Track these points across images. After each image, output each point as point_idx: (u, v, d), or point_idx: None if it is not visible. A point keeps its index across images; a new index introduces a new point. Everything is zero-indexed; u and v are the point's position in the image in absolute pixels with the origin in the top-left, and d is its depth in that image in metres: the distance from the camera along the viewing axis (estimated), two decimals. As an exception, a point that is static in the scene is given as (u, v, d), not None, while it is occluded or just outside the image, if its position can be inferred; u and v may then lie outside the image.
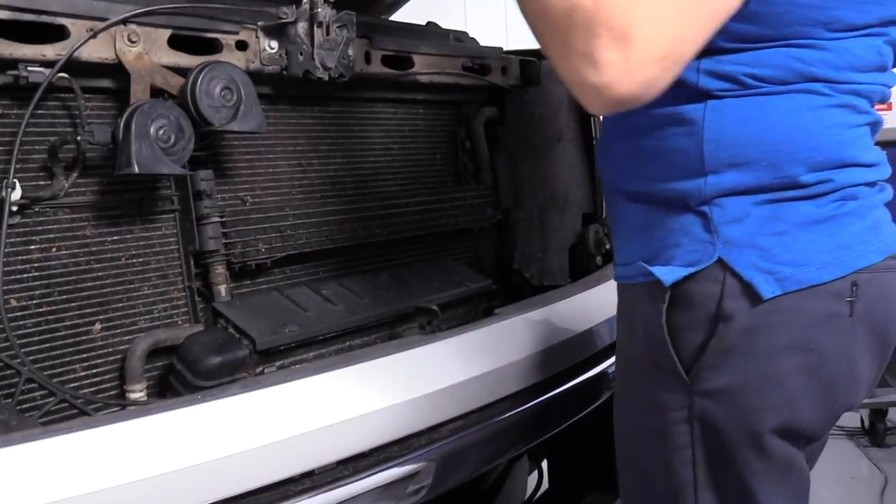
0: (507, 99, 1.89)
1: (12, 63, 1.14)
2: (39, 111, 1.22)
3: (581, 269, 1.96)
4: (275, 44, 1.42)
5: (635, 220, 0.98)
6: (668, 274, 0.88)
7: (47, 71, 1.16)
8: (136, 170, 1.15)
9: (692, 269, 0.86)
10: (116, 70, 1.24)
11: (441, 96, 1.82)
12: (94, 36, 1.19)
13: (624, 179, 1.04)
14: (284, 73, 1.43)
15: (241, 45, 1.38)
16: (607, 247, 1.96)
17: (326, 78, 1.46)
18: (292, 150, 1.55)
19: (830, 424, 0.95)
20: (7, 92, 1.19)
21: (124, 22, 1.22)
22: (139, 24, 1.24)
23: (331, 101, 1.62)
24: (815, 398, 0.88)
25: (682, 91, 0.94)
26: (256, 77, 1.39)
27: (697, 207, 0.89)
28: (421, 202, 1.70)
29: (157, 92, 1.28)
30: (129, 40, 1.23)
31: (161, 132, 1.20)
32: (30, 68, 1.15)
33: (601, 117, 1.38)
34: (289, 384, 1.06)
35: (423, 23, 1.89)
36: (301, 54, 1.42)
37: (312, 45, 1.43)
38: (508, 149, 1.91)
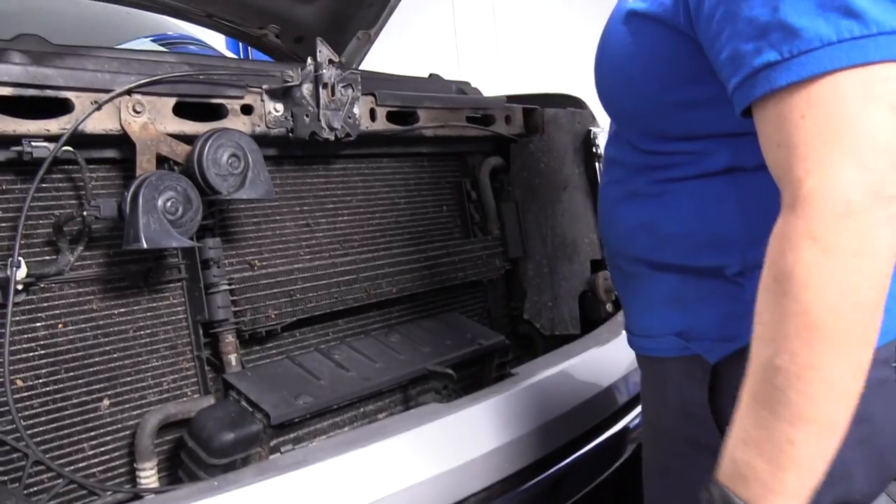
0: (513, 148, 1.87)
1: (16, 139, 1.11)
2: (43, 185, 1.19)
3: (591, 317, 1.92)
4: (280, 106, 1.39)
5: (661, 291, 0.94)
6: (711, 351, 0.85)
7: (51, 145, 1.13)
8: (145, 245, 1.11)
9: (736, 345, 0.83)
10: (121, 140, 1.21)
11: (446, 148, 1.80)
12: (98, 108, 1.17)
13: (645, 249, 1.01)
14: (291, 135, 1.40)
15: (246, 110, 1.35)
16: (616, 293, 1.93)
17: (332, 138, 1.43)
18: (299, 210, 1.52)
19: (881, 492, 0.91)
20: (10, 167, 1.16)
21: (129, 92, 1.20)
22: (144, 93, 1.22)
23: (336, 159, 1.59)
24: (869, 469, 0.84)
25: (715, 162, 0.91)
26: (261, 140, 1.37)
27: (734, 278, 0.85)
28: (429, 257, 1.67)
29: (162, 161, 1.25)
30: (134, 111, 1.20)
31: (169, 204, 1.16)
32: (34, 143, 1.12)
33: (601, 179, 1.29)
34: (307, 468, 1.01)
35: (427, 74, 1.87)
36: (307, 116, 1.40)
37: (318, 106, 1.41)
38: (515, 198, 1.88)
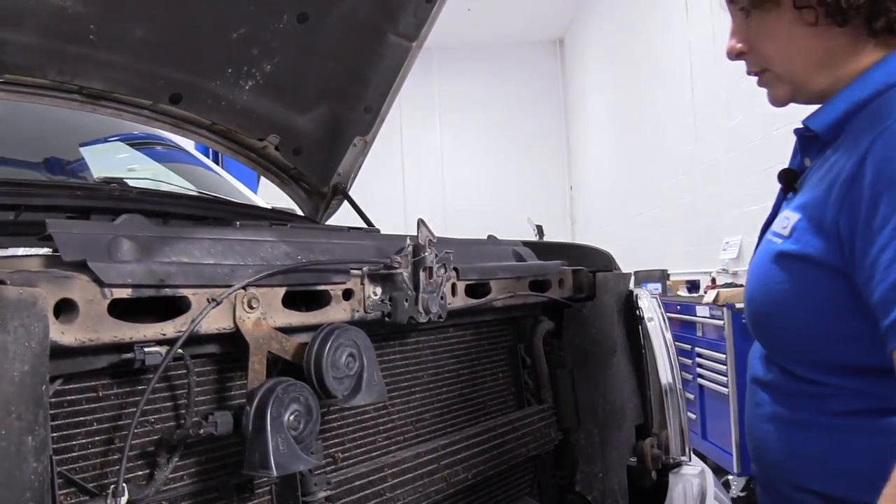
0: (567, 314, 1.81)
1: (127, 346, 0.97)
2: (140, 388, 1.04)
3: (636, 485, 1.85)
4: (379, 290, 1.29)
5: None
6: None
7: (163, 350, 0.99)
8: (275, 473, 0.97)
9: None
10: (230, 338, 1.08)
11: (504, 314, 1.72)
12: (216, 305, 1.04)
13: (816, 481, 0.96)
14: (387, 319, 1.30)
15: (347, 294, 1.25)
16: (663, 460, 1.86)
17: (426, 321, 1.34)
18: (378, 392, 1.40)
19: None
20: (107, 371, 1.01)
21: (245, 287, 1.08)
22: (258, 286, 1.10)
23: (410, 334, 1.49)
24: None
25: (889, 399, 0.90)
26: (357, 325, 1.26)
27: None
28: (495, 434, 1.57)
29: (272, 360, 1.12)
30: (249, 306, 1.08)
31: (293, 418, 1.03)
32: (146, 349, 0.98)
33: (748, 399, 1.24)
34: None
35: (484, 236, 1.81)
36: (406, 301, 1.30)
37: (417, 289, 1.31)
38: (567, 364, 1.81)
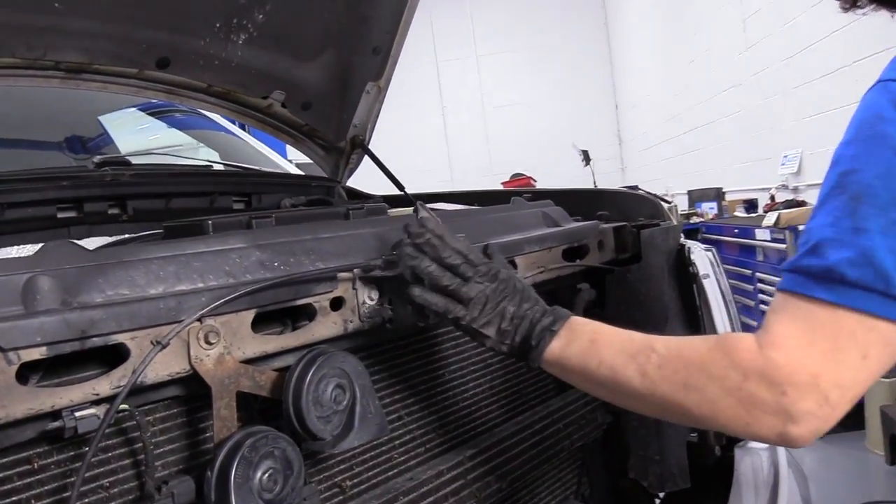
0: (609, 279, 1.56)
1: (54, 414, 0.77)
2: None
3: (699, 463, 1.63)
4: (375, 294, 1.07)
5: None
6: None
7: (101, 411, 0.79)
8: (244, 556, 0.78)
9: None
10: (189, 380, 0.88)
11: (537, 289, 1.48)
12: (162, 348, 0.83)
13: None
14: (389, 325, 1.08)
15: (337, 304, 1.03)
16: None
17: (438, 321, 1.12)
18: (390, 402, 1.20)
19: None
20: (44, 437, 0.82)
21: (199, 319, 0.86)
22: (217, 314, 0.88)
23: (425, 330, 1.27)
24: None
25: None
26: (353, 337, 1.05)
27: None
28: (533, 431, 1.36)
29: (243, 400, 0.92)
30: (206, 341, 0.87)
31: (267, 478, 0.83)
32: (77, 413, 0.78)
33: None
34: None
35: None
36: (409, 304, 1.07)
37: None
38: (612, 337, 1.57)
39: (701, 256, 1.68)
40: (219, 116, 3.17)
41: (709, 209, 5.93)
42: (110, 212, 1.87)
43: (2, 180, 1.67)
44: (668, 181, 7.58)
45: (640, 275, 1.57)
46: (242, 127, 3.71)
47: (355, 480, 1.12)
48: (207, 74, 2.09)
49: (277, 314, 1.01)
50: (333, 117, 2.41)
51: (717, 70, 6.30)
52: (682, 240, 1.70)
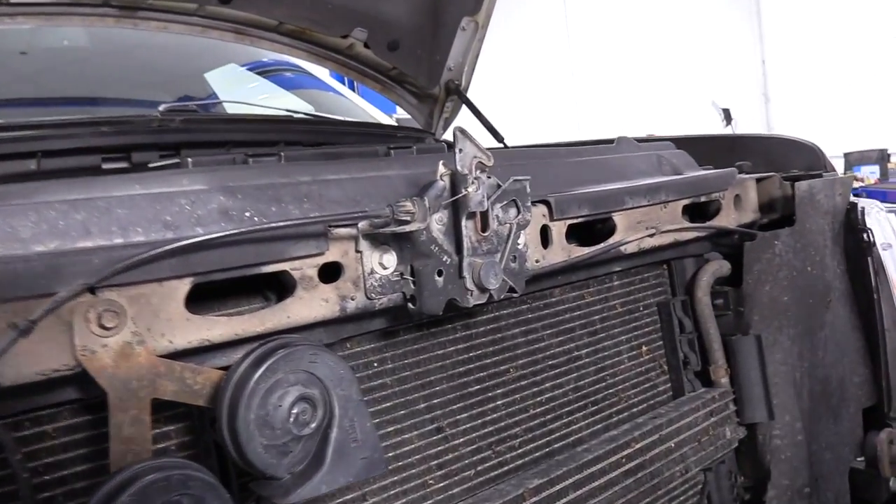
0: (748, 249, 1.13)
1: None
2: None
3: (864, 498, 1.19)
4: (391, 259, 0.72)
5: None
6: None
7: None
8: None
9: None
10: (80, 380, 0.58)
11: (644, 259, 1.09)
12: (22, 334, 0.53)
13: None
14: (411, 306, 0.73)
15: (330, 273, 0.69)
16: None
17: (484, 302, 0.76)
18: (424, 408, 0.85)
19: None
20: None
21: (91, 290, 0.56)
22: (122, 285, 0.57)
23: (478, 314, 0.91)
24: None
25: None
26: (357, 318, 0.72)
27: None
28: (633, 450, 0.97)
29: (164, 411, 0.61)
30: (101, 324, 0.56)
31: (164, 544, 0.52)
32: None
33: None
34: None
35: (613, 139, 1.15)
36: (439, 274, 0.72)
37: (460, 251, 0.73)
38: (752, 325, 1.14)
39: (880, 220, 1.21)
40: (327, 75, 2.94)
41: (869, 173, 5.12)
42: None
43: (37, 125, 1.46)
44: (826, 142, 6.68)
45: (794, 242, 1.13)
46: (352, 88, 3.47)
47: (371, 513, 0.79)
48: (278, 10, 1.81)
49: (254, 289, 0.69)
50: (424, 59, 2.07)
51: (881, 13, 5.40)
52: (852, 199, 1.24)
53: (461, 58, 2.04)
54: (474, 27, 1.99)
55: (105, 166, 1.60)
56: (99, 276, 0.55)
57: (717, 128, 6.67)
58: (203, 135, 1.67)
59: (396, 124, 2.22)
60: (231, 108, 2.39)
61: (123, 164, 1.61)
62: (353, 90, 3.37)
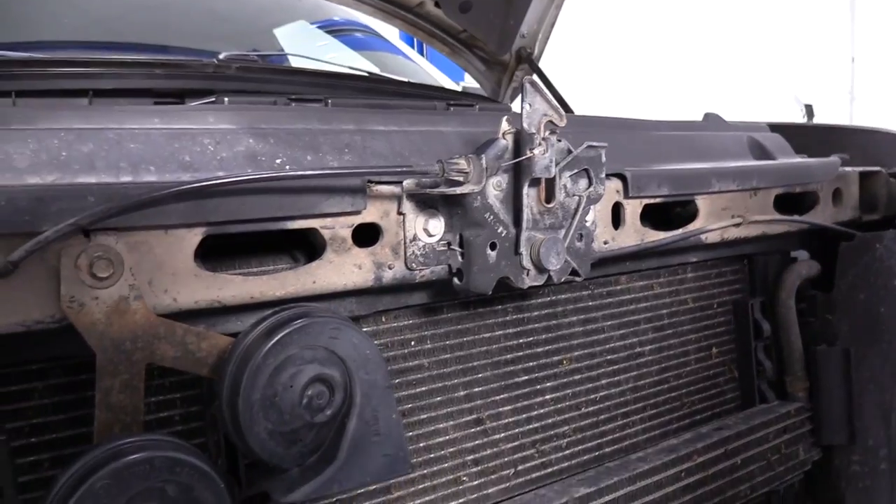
0: (843, 250, 0.99)
1: None
2: None
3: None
4: (437, 225, 0.62)
5: None
6: None
7: None
8: None
9: None
10: (66, 335, 0.50)
11: (723, 251, 0.96)
12: (1, 276, 0.45)
13: None
14: (457, 282, 0.63)
15: (366, 235, 0.60)
16: None
17: (542, 284, 0.65)
18: (464, 397, 0.76)
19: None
20: None
21: (85, 231, 0.47)
22: (121, 229, 0.49)
23: (533, 296, 0.80)
24: None
25: None
26: (396, 289, 0.62)
27: None
28: (696, 464, 0.86)
29: (160, 378, 0.52)
30: (94, 274, 0.47)
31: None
32: None
33: None
34: None
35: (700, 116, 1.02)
36: (492, 247, 0.62)
37: (518, 224, 0.62)
38: (840, 336, 1.00)
39: None
40: (397, 38, 2.85)
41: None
42: (216, 110, 1.57)
43: (91, 62, 1.40)
44: (909, 148, 6.26)
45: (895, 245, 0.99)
46: (421, 52, 3.37)
47: (394, 509, 0.70)
48: (348, -39, 1.72)
49: (281, 247, 0.60)
50: (497, 24, 1.95)
51: None
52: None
53: (536, 25, 1.93)
54: (554, -7, 1.87)
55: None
56: (93, 213, 0.46)
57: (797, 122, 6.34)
58: (258, 84, 1.59)
59: (457, 90, 2.11)
60: (295, 64, 2.32)
61: (176, 110, 1.54)
62: (423, 55, 3.26)
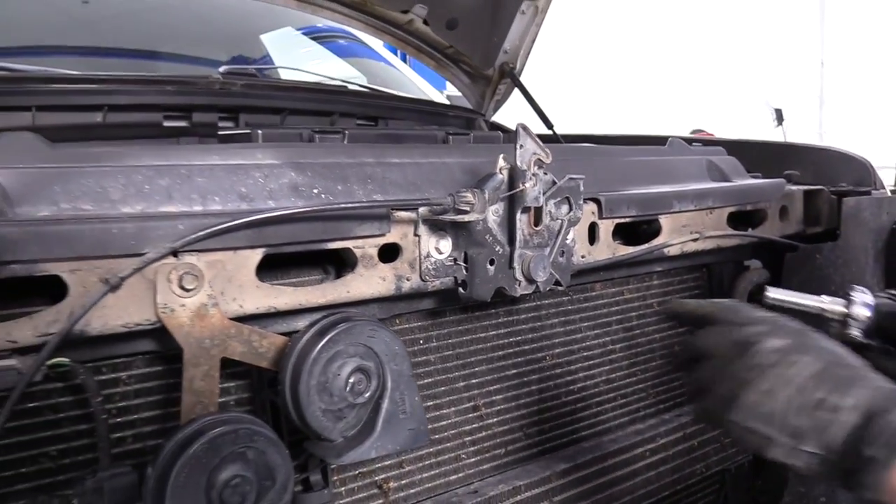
0: (789, 260, 1.15)
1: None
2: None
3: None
4: (446, 245, 0.76)
5: None
6: None
7: (23, 364, 0.56)
8: None
9: None
10: (158, 336, 0.63)
11: (685, 261, 1.11)
12: (112, 289, 0.58)
13: None
14: (461, 291, 0.77)
15: (389, 253, 0.74)
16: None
17: (531, 292, 0.80)
18: (463, 388, 0.90)
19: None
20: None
21: (174, 253, 0.61)
22: (201, 251, 0.62)
23: (521, 302, 0.95)
24: None
25: None
26: (409, 297, 0.76)
27: None
28: (658, 444, 1.01)
29: (247, 372, 0.66)
30: (182, 286, 0.61)
31: (230, 489, 0.57)
32: (-11, 365, 0.56)
33: None
34: None
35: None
36: (491, 263, 0.76)
37: (512, 243, 0.77)
38: (784, 335, 1.16)
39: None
40: (381, 46, 2.96)
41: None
42: (221, 124, 1.69)
43: (106, 80, 1.51)
44: (876, 154, 6.52)
45: (836, 257, 1.15)
46: (404, 60, 3.47)
47: (402, 482, 0.84)
48: (343, -21, 1.85)
49: (315, 261, 0.74)
50: (481, 40, 2.08)
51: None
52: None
53: (518, 41, 2.05)
54: (534, 11, 2.00)
55: (166, 124, 1.66)
56: (183, 241, 0.60)
57: (767, 127, 6.56)
58: (261, 100, 1.72)
59: (448, 103, 2.24)
60: (285, 73, 2.43)
61: (184, 123, 1.67)
62: (405, 62, 3.37)
